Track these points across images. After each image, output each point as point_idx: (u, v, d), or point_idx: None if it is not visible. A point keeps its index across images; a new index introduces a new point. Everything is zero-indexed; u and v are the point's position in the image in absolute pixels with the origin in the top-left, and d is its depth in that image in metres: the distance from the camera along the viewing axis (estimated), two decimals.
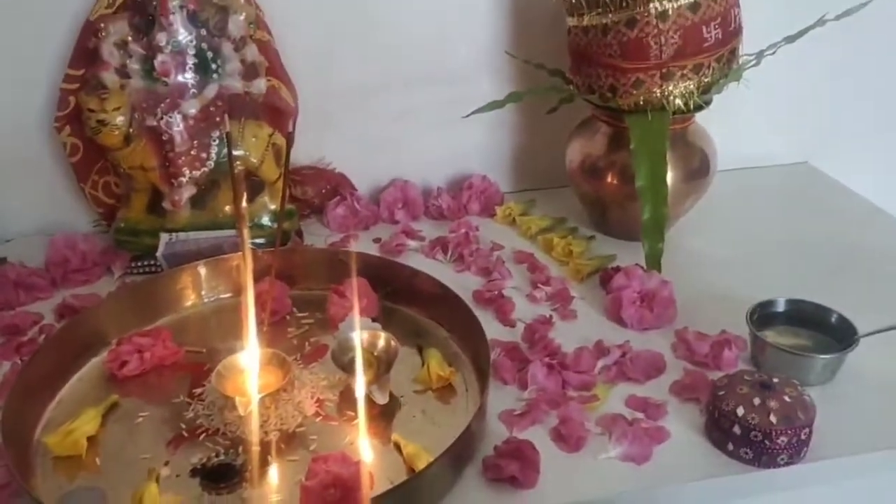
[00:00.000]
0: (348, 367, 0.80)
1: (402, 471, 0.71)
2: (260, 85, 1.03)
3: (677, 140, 1.03)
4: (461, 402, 0.80)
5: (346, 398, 0.80)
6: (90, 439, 0.74)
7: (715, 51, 0.98)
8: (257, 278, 0.81)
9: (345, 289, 0.91)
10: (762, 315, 0.87)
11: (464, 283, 0.98)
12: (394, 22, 1.12)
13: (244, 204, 0.96)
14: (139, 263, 1.01)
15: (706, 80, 0.99)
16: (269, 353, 0.79)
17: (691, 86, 0.99)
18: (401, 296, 0.94)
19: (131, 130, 0.98)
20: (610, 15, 0.97)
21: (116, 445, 0.75)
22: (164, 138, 0.99)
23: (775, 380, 0.75)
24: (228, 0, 1.01)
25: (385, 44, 1.13)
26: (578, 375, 0.83)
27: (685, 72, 0.97)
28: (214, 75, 1.02)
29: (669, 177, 0.97)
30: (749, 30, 1.02)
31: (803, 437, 0.72)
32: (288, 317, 0.93)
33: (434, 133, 1.19)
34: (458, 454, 0.71)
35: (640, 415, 0.79)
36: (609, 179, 1.06)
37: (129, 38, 0.99)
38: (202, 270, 0.95)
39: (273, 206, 1.06)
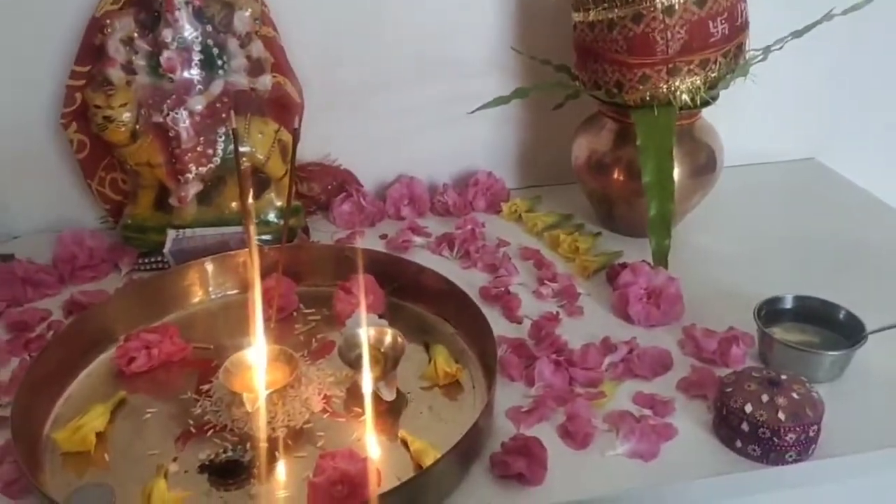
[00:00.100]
0: (355, 364, 0.80)
1: (409, 467, 0.71)
2: (265, 81, 1.03)
3: (684, 136, 1.03)
4: (468, 399, 0.80)
5: (354, 395, 0.80)
6: (99, 435, 0.74)
7: (721, 46, 0.97)
8: (264, 275, 0.82)
9: (351, 285, 0.91)
10: (770, 311, 0.87)
11: (470, 280, 0.98)
12: (399, 18, 1.12)
13: (250, 200, 0.97)
14: (146, 260, 1.01)
15: (713, 75, 0.99)
16: (277, 350, 0.79)
17: (698, 81, 0.98)
18: (407, 292, 0.94)
19: (137, 127, 0.98)
20: (616, 10, 0.96)
21: (125, 441, 0.75)
22: (170, 135, 0.99)
23: (783, 377, 0.75)
24: None
25: (390, 40, 1.13)
26: (585, 372, 0.83)
27: (692, 67, 0.97)
28: (220, 71, 1.02)
29: (676, 173, 0.97)
30: (756, 25, 1.02)
31: (811, 434, 0.72)
32: (295, 313, 0.93)
33: (440, 129, 1.19)
34: (466, 451, 0.71)
35: (647, 411, 0.79)
36: (615, 175, 1.06)
37: (135, 35, 0.99)
38: (209, 267, 0.95)
39: (279, 203, 1.06)
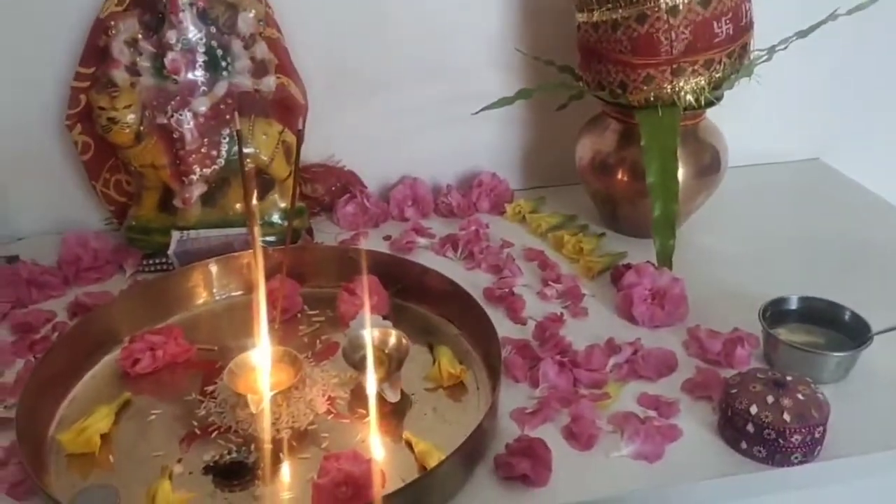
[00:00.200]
0: (359, 365, 0.80)
1: (413, 469, 0.71)
2: (269, 82, 1.03)
3: (688, 136, 1.02)
4: (472, 400, 0.80)
5: (358, 396, 0.80)
6: (103, 437, 0.74)
7: (726, 46, 0.97)
8: (268, 276, 0.82)
9: (355, 286, 0.91)
10: (775, 312, 0.87)
11: (474, 281, 0.98)
12: (403, 18, 1.12)
13: (254, 202, 0.97)
14: (151, 261, 1.02)
15: (717, 75, 0.99)
16: (281, 351, 0.79)
17: (702, 81, 0.98)
18: (411, 293, 0.94)
19: (142, 128, 0.98)
20: (620, 10, 0.96)
21: (129, 443, 0.75)
22: (174, 136, 0.99)
23: (789, 378, 0.75)
24: None
25: (394, 40, 1.13)
26: (590, 373, 0.83)
27: (696, 67, 0.97)
28: (224, 73, 1.02)
29: (680, 173, 0.97)
30: (760, 25, 1.02)
31: (817, 435, 0.72)
32: (299, 315, 0.93)
33: (444, 130, 1.19)
34: (470, 452, 0.71)
35: (652, 413, 0.79)
36: (619, 176, 1.05)
37: (140, 36, 0.99)
38: (213, 268, 0.95)
39: (283, 204, 1.06)
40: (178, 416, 0.78)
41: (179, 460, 0.72)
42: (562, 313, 0.93)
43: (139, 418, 0.78)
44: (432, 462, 0.70)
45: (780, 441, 0.71)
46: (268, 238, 1.03)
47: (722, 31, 0.96)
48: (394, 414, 0.78)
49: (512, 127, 1.22)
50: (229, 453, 0.72)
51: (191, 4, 0.98)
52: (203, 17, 1.00)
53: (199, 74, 1.01)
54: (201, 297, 0.95)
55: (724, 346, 0.86)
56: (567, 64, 1.11)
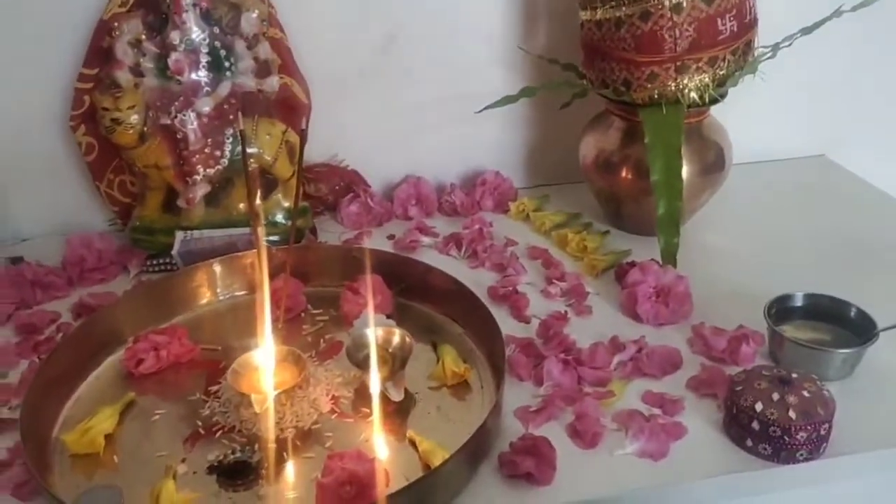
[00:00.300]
0: (363, 364, 0.80)
1: (417, 467, 0.71)
2: (273, 82, 1.03)
3: (692, 134, 1.02)
4: (476, 399, 0.80)
5: (362, 395, 0.80)
6: (107, 437, 0.74)
7: (730, 43, 0.97)
8: (272, 276, 0.81)
9: (359, 286, 0.91)
10: (780, 309, 0.86)
11: (478, 280, 0.98)
12: (406, 18, 1.12)
13: (258, 201, 0.97)
14: (155, 262, 1.02)
15: (721, 72, 0.98)
16: (285, 351, 0.79)
17: (706, 79, 0.98)
18: (415, 292, 0.94)
19: (145, 129, 0.98)
20: (623, 8, 0.96)
21: (133, 443, 0.75)
22: (178, 136, 0.99)
23: (794, 375, 0.74)
24: None
25: (398, 39, 1.12)
26: (594, 371, 0.83)
27: (700, 65, 0.97)
28: (228, 73, 1.02)
29: (684, 171, 0.96)
30: (765, 21, 1.01)
31: (823, 432, 0.72)
32: (302, 314, 0.93)
33: (447, 129, 1.19)
34: (474, 451, 0.71)
35: (656, 411, 0.79)
36: (623, 174, 1.05)
37: (143, 37, 0.99)
38: (217, 268, 0.95)
39: (287, 204, 1.06)
40: (181, 416, 0.78)
41: (183, 460, 0.72)
42: (566, 311, 0.93)
43: (143, 418, 0.78)
44: (436, 461, 0.69)
45: (786, 438, 0.71)
46: (271, 238, 1.02)
47: (726, 28, 0.96)
48: (398, 413, 0.78)
49: (515, 125, 1.22)
50: (233, 453, 0.72)
51: (194, 5, 0.98)
52: (206, 17, 1.00)
53: (202, 75, 1.01)
54: (205, 297, 0.95)
55: (729, 344, 0.85)
56: (570, 62, 1.11)
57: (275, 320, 0.81)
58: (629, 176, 1.05)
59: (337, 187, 1.15)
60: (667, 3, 0.93)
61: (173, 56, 0.99)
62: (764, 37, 1.02)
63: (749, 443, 0.73)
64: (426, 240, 1.09)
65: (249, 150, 1.00)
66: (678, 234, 0.95)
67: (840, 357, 0.81)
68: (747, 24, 0.98)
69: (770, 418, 0.71)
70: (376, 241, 1.09)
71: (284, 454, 0.73)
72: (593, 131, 1.09)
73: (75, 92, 1.03)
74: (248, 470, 0.71)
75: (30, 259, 1.02)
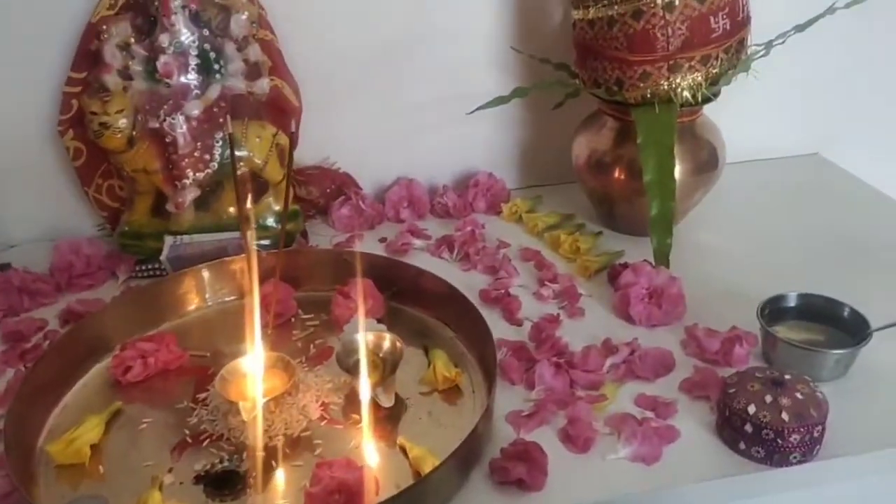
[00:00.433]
0: (353, 370, 0.79)
1: (408, 474, 0.71)
2: (263, 85, 1.02)
3: (685, 133, 1.01)
4: (468, 404, 0.79)
5: (352, 401, 0.79)
6: (93, 447, 0.73)
7: (723, 41, 0.96)
8: (262, 280, 0.81)
9: (350, 290, 0.91)
10: (773, 310, 0.86)
11: (470, 282, 0.98)
12: (397, 19, 1.11)
13: (249, 205, 0.96)
14: (144, 267, 1.01)
15: (714, 71, 0.98)
16: (274, 357, 0.79)
17: (699, 77, 0.97)
18: (406, 296, 0.93)
19: (134, 133, 0.97)
20: (615, 7, 0.95)
21: (120, 453, 0.74)
22: (167, 140, 0.98)
23: (787, 376, 0.74)
24: None
25: (388, 41, 1.12)
26: (586, 374, 0.82)
27: (693, 63, 0.96)
28: (217, 76, 1.01)
29: (677, 170, 0.96)
30: (758, 19, 1.01)
31: (816, 434, 0.71)
32: (293, 319, 0.93)
33: (439, 130, 1.18)
34: (465, 457, 0.70)
35: (649, 414, 0.78)
36: (616, 174, 1.04)
37: (132, 40, 0.98)
38: (206, 274, 0.94)
39: (277, 207, 1.05)
40: (169, 425, 0.77)
41: (170, 470, 0.71)
42: (558, 314, 0.92)
43: (130, 427, 0.77)
44: (427, 468, 0.69)
45: (779, 441, 0.70)
46: (262, 241, 1.02)
47: (719, 27, 0.96)
48: (388, 419, 0.77)
49: (508, 126, 1.21)
50: (221, 462, 0.71)
51: (183, 7, 0.98)
52: (196, 19, 0.99)
53: (191, 78, 1.00)
54: (194, 303, 0.94)
55: (723, 345, 0.85)
56: (563, 62, 1.11)
57: (264, 326, 0.80)
58: (622, 176, 1.04)
59: (328, 190, 1.15)
60: (659, 1, 0.93)
61: (162, 59, 0.98)
62: (757, 35, 1.01)
63: (742, 445, 0.73)
64: (418, 242, 1.08)
65: (239, 154, 1.00)
66: (671, 234, 0.94)
67: (833, 358, 0.81)
68: (740, 22, 0.98)
69: (763, 421, 0.71)
70: (368, 244, 1.09)
71: (273, 462, 0.72)
72: (586, 131, 1.09)
73: (63, 96, 1.02)
74: (235, 479, 0.70)
75: (17, 265, 1.01)
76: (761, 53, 1.02)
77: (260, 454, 0.71)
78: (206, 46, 1.00)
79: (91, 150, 1.04)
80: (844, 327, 0.84)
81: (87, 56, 1.00)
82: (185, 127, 0.98)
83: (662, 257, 0.95)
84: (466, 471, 0.71)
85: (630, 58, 0.97)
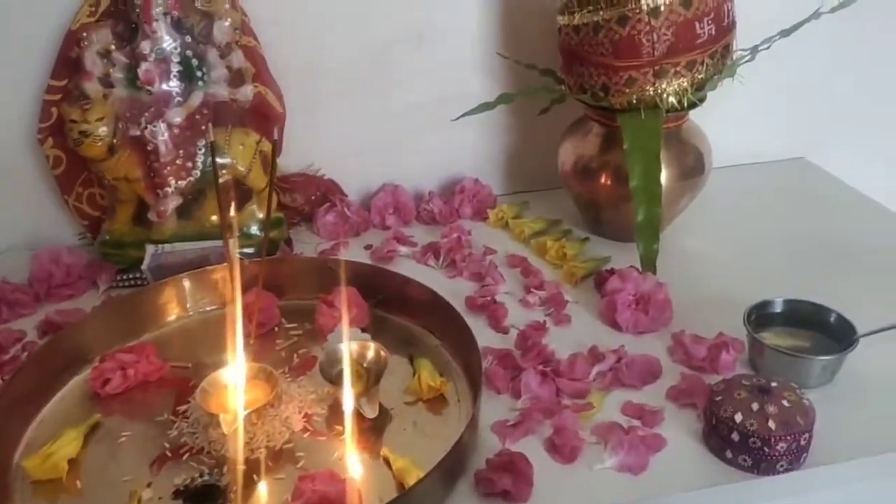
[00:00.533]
0: (337, 380, 0.78)
1: (392, 487, 0.70)
2: (247, 92, 1.02)
3: (671, 138, 1.01)
4: (453, 413, 0.79)
5: (335, 412, 0.78)
6: (71, 461, 0.72)
7: (708, 47, 0.96)
8: (245, 289, 0.80)
9: (334, 298, 0.90)
10: (760, 316, 0.85)
11: (456, 290, 0.97)
12: (381, 25, 1.10)
13: (232, 213, 0.95)
14: (125, 277, 1.00)
15: (700, 76, 0.97)
16: (256, 368, 0.78)
17: (685, 83, 0.97)
18: (391, 304, 0.92)
19: (115, 141, 0.96)
20: (601, 12, 0.95)
21: (98, 467, 0.73)
22: (148, 148, 0.97)
23: (774, 384, 0.73)
24: (213, 6, 0.99)
25: (373, 47, 1.11)
26: (573, 383, 0.81)
27: (678, 69, 0.96)
28: (200, 83, 1.00)
29: (664, 176, 0.95)
30: (743, 24, 1.00)
31: (802, 442, 0.71)
32: (276, 328, 0.91)
33: (425, 136, 1.17)
34: (450, 468, 0.69)
35: (636, 422, 0.77)
36: (602, 180, 1.04)
37: (113, 47, 0.97)
38: (187, 283, 0.93)
39: (262, 215, 1.04)
40: (149, 438, 0.75)
41: (149, 484, 0.70)
42: (544, 321, 0.91)
43: (109, 441, 0.75)
44: (411, 480, 0.68)
45: (766, 449, 0.70)
46: (246, 250, 1.00)
47: (704, 32, 0.95)
48: (372, 429, 0.76)
49: (494, 132, 1.20)
50: (201, 476, 0.70)
51: (165, 14, 0.97)
52: (178, 26, 0.99)
53: (173, 85, 0.99)
54: (175, 313, 0.93)
55: (709, 352, 0.84)
56: (549, 67, 1.10)
57: (247, 336, 0.79)
58: (608, 182, 1.04)
59: (313, 197, 1.14)
60: (644, 7, 0.92)
61: (143, 66, 0.97)
62: (742, 40, 1.01)
63: (729, 454, 0.72)
64: (404, 249, 1.07)
65: (223, 161, 0.99)
66: (658, 240, 0.94)
67: (820, 364, 0.80)
68: (725, 28, 0.97)
69: (750, 429, 0.70)
70: (353, 251, 1.08)
71: (255, 476, 0.71)
72: (572, 137, 1.08)
73: (43, 104, 1.01)
74: (215, 494, 0.69)
75: None
76: (747, 58, 1.01)
77: (241, 468, 0.70)
78: (189, 53, 0.99)
79: (71, 159, 1.02)
80: (831, 333, 0.84)
81: (68, 63, 0.99)
82: (166, 135, 0.97)
83: (649, 263, 0.94)
84: (451, 482, 0.70)
85: (616, 63, 0.96)
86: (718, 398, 0.73)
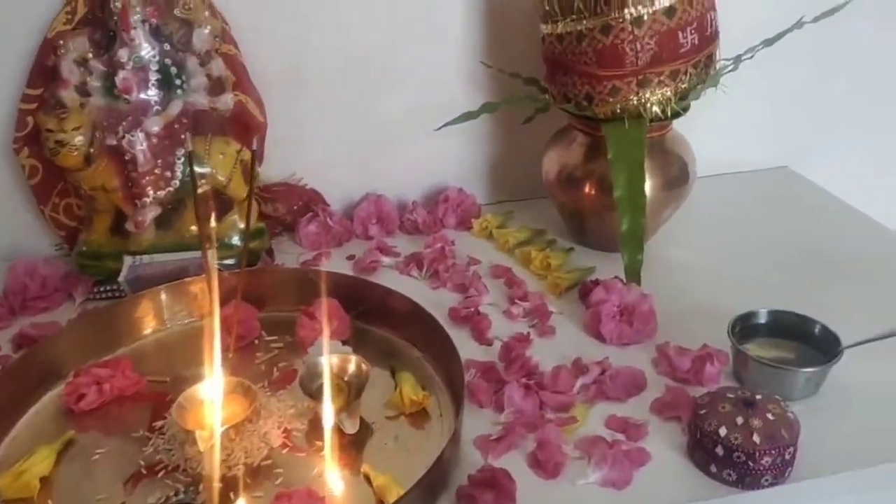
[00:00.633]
0: (317, 395, 0.76)
1: None
2: (227, 100, 1.00)
3: (655, 148, 1.01)
4: (435, 427, 0.77)
5: (315, 427, 0.76)
6: (43, 479, 0.70)
7: (692, 56, 0.96)
8: (224, 301, 0.78)
9: (315, 310, 0.88)
10: (744, 327, 0.85)
11: (439, 301, 0.96)
12: (364, 33, 1.09)
13: (212, 224, 0.94)
14: (102, 289, 0.98)
15: (683, 86, 0.97)
16: (234, 382, 0.76)
17: (668, 92, 0.97)
18: (373, 316, 0.91)
19: (92, 150, 0.95)
20: (584, 22, 0.95)
21: (72, 485, 0.71)
22: (126, 158, 0.95)
23: (758, 396, 0.73)
24: (193, 13, 0.98)
25: (355, 55, 1.10)
26: (556, 396, 0.80)
27: (662, 78, 0.95)
28: (179, 91, 0.99)
29: (648, 185, 0.95)
30: (726, 34, 1.00)
31: (787, 456, 0.70)
32: (256, 341, 0.90)
33: (408, 145, 1.16)
34: (431, 485, 0.68)
35: (620, 436, 0.76)
36: (587, 190, 1.03)
37: (90, 55, 0.96)
38: (163, 295, 0.91)
39: (243, 225, 1.03)
40: (124, 455, 0.74)
41: (123, 503, 0.68)
42: (528, 333, 0.91)
43: (83, 458, 0.74)
44: (391, 497, 0.67)
45: (750, 463, 0.69)
46: (226, 261, 0.99)
47: (687, 42, 0.95)
48: (353, 445, 0.75)
49: (478, 141, 1.20)
50: (176, 494, 0.68)
51: (143, 21, 0.96)
52: (156, 33, 0.97)
53: (152, 93, 0.98)
54: (151, 326, 0.91)
55: (694, 364, 0.83)
56: (533, 76, 1.10)
57: (225, 349, 0.78)
58: (592, 191, 1.03)
59: (295, 207, 1.12)
60: (627, 16, 0.92)
61: (121, 74, 0.96)
62: (725, 49, 1.01)
63: (713, 468, 0.71)
64: (387, 260, 1.06)
65: (203, 171, 0.98)
66: (642, 250, 0.93)
67: (804, 376, 0.80)
68: (708, 37, 0.97)
69: (734, 443, 0.69)
70: (336, 261, 1.07)
71: (231, 494, 0.69)
72: (556, 146, 1.08)
73: (18, 113, 0.99)
74: None
75: None
76: (730, 68, 1.01)
77: (217, 485, 0.68)
78: (168, 61, 0.98)
79: (47, 168, 1.01)
80: (815, 344, 0.84)
81: (44, 72, 0.98)
82: (144, 144, 0.96)
83: (633, 274, 0.93)
84: (432, 499, 0.69)
85: (599, 73, 0.96)
86: (703, 411, 0.73)
